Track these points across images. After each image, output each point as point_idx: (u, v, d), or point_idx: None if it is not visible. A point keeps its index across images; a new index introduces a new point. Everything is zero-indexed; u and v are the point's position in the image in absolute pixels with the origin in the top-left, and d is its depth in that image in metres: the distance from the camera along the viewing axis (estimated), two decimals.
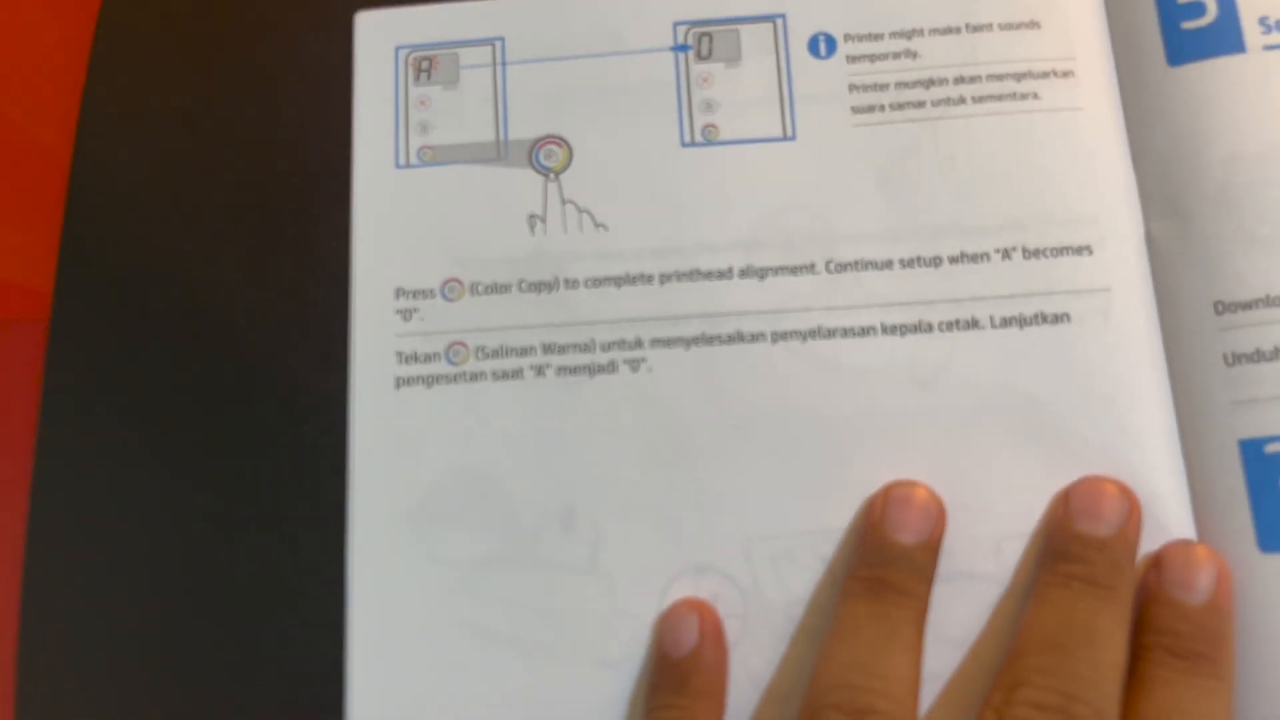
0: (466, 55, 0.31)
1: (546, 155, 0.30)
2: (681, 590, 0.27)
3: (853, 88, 0.30)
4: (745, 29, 0.30)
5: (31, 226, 0.32)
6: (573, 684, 0.27)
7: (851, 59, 0.30)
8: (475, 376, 0.29)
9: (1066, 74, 0.29)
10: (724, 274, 0.29)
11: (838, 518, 0.27)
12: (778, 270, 0.29)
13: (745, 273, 0.29)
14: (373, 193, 0.30)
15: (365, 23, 0.31)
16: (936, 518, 0.27)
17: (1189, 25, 0.29)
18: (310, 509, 0.28)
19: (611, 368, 0.29)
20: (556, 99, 0.30)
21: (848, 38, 0.30)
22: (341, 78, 0.31)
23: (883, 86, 0.30)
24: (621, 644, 0.27)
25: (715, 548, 0.27)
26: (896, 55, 0.30)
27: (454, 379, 0.29)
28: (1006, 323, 0.28)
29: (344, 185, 0.30)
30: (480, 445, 0.28)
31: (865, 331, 0.28)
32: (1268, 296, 0.27)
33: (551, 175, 0.30)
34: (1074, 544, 0.26)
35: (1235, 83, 0.28)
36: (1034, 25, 0.30)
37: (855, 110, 0.30)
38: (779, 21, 0.30)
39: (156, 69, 0.32)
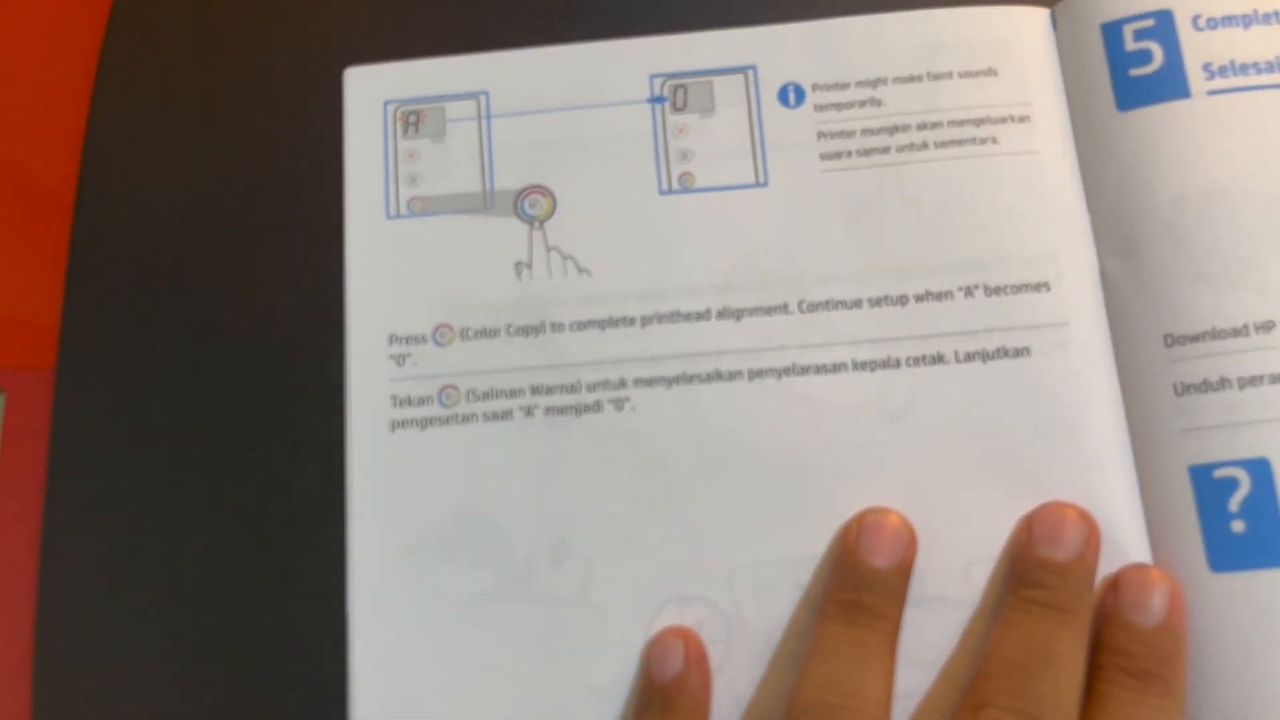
0: (453, 109, 0.32)
1: (531, 204, 0.31)
2: (668, 619, 0.29)
3: (821, 135, 0.31)
4: (718, 80, 0.32)
5: (37, 271, 0.33)
6: (566, 711, 0.28)
7: (819, 108, 0.32)
8: (467, 418, 0.30)
9: (1023, 119, 0.31)
10: (702, 315, 0.30)
11: (815, 545, 0.29)
12: (753, 311, 0.30)
13: (722, 314, 0.30)
14: (365, 243, 0.31)
15: (354, 78, 0.33)
16: (908, 542, 0.28)
17: (1137, 72, 0.30)
18: (312, 549, 0.30)
19: (597, 407, 0.30)
20: (540, 150, 0.32)
21: (816, 87, 0.32)
22: (332, 132, 0.32)
23: (849, 134, 0.31)
24: (611, 671, 0.29)
25: (699, 577, 0.29)
26: (862, 103, 0.31)
27: (447, 421, 0.30)
28: (970, 357, 0.30)
29: (337, 236, 0.32)
30: (473, 484, 0.30)
31: (837, 368, 0.30)
32: (1214, 329, 0.28)
33: (536, 224, 0.31)
34: (1036, 569, 0.27)
35: (1181, 126, 0.30)
36: (992, 73, 0.31)
37: (824, 157, 0.31)
38: (750, 73, 0.32)
39: (155, 120, 0.33)
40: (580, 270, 0.31)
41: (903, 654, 0.28)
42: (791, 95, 0.32)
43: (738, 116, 0.32)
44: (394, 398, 0.30)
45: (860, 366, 0.30)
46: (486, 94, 0.32)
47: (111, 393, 0.31)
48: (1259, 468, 0.27)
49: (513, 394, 0.30)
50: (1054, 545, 0.27)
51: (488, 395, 0.30)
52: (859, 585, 0.28)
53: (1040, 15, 0.32)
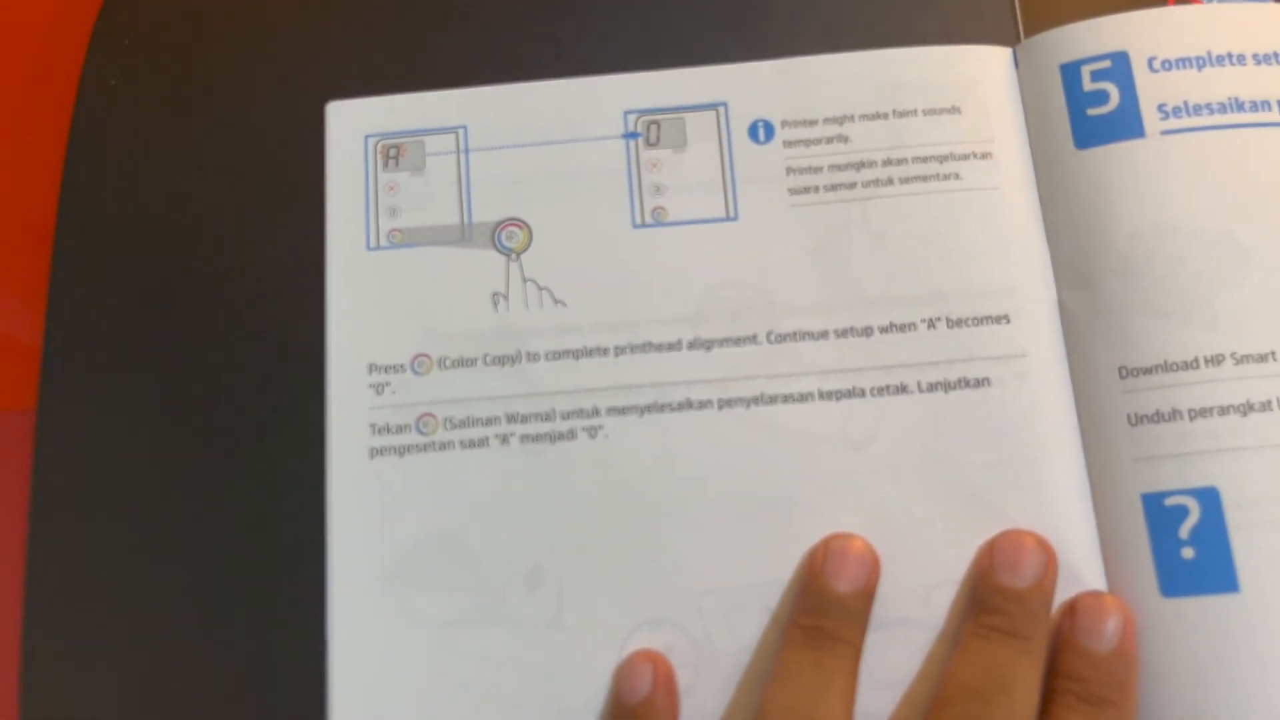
0: (432, 143, 0.33)
1: (508, 237, 0.32)
2: (639, 642, 0.30)
3: (790, 170, 0.32)
4: (690, 117, 0.33)
5: (16, 309, 0.33)
6: None
7: (788, 144, 0.33)
8: (444, 446, 0.31)
9: (985, 156, 0.32)
10: (673, 346, 0.31)
11: (782, 570, 0.30)
12: (723, 342, 0.31)
13: (693, 344, 0.31)
14: (346, 273, 0.32)
15: (336, 112, 0.34)
16: (872, 567, 0.29)
17: (1094, 112, 0.31)
18: (293, 576, 0.30)
19: (571, 435, 0.31)
20: (517, 184, 0.33)
21: (785, 124, 0.33)
22: (314, 165, 0.33)
23: (817, 169, 0.32)
24: (584, 693, 0.29)
25: (670, 602, 0.30)
26: (829, 140, 0.32)
27: (424, 448, 0.31)
28: (932, 387, 0.31)
29: (318, 266, 0.32)
30: (450, 510, 0.30)
31: (804, 397, 0.31)
32: (1166, 362, 0.29)
33: (513, 255, 0.32)
34: (995, 596, 0.28)
35: (1136, 165, 0.31)
36: (955, 111, 0.32)
37: (792, 191, 0.32)
38: (721, 109, 0.33)
39: (136, 154, 0.34)
40: (556, 301, 0.32)
41: (866, 676, 0.29)
42: (761, 131, 0.33)
43: (709, 152, 0.33)
44: (373, 425, 0.31)
45: (826, 396, 0.31)
46: (465, 128, 0.33)
47: (93, 434, 0.32)
48: (1208, 496, 0.28)
49: (489, 422, 0.31)
50: (1013, 572, 0.28)
51: (464, 423, 0.31)
52: (822, 610, 0.29)
53: (1003, 55, 0.33)
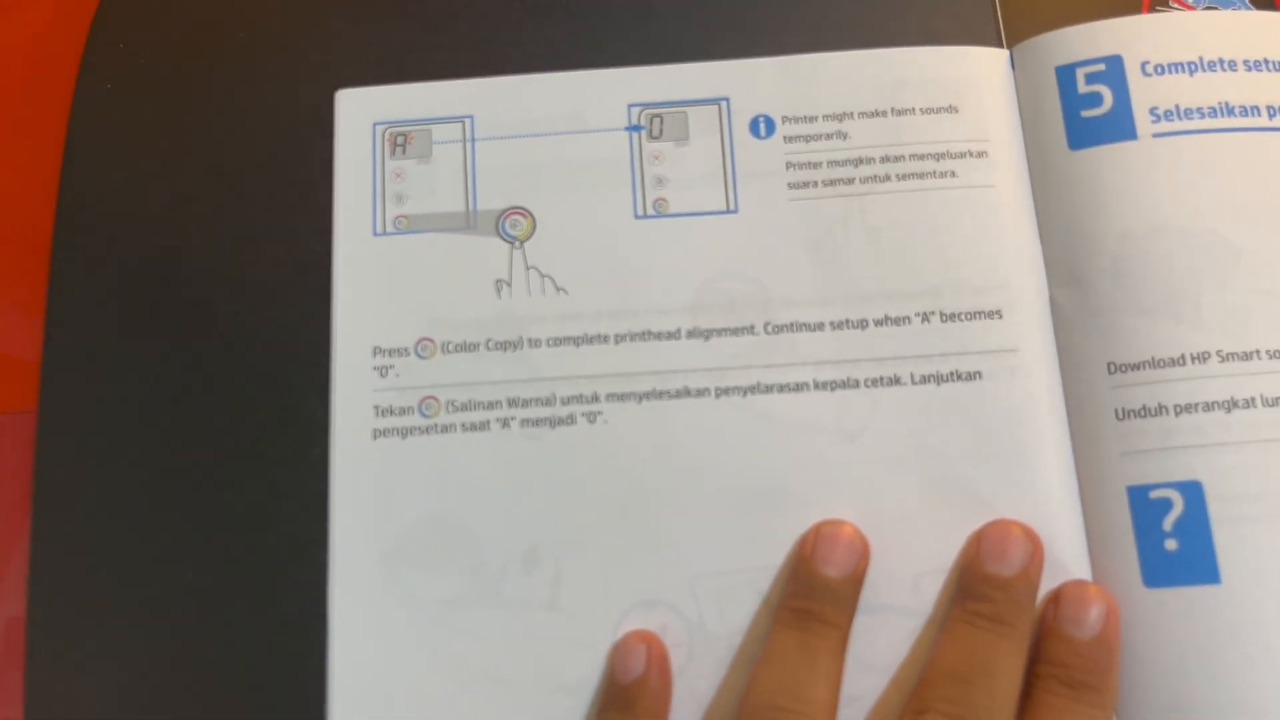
0: (439, 131, 0.34)
1: (512, 225, 0.33)
2: (633, 623, 0.30)
3: (789, 165, 0.33)
4: (693, 111, 0.34)
5: (15, 312, 0.34)
6: (535, 709, 0.30)
7: (789, 139, 0.33)
8: (446, 428, 0.32)
9: (981, 154, 0.33)
10: (672, 335, 0.32)
11: (775, 555, 0.30)
12: (721, 331, 0.32)
13: (692, 334, 0.32)
14: (352, 258, 0.33)
15: (345, 100, 0.34)
16: (861, 553, 0.30)
17: (1088, 113, 0.32)
18: (295, 557, 0.31)
19: (571, 420, 0.32)
20: (521, 173, 0.33)
21: (785, 119, 0.33)
22: (322, 152, 0.34)
23: (816, 164, 0.33)
24: (579, 672, 0.30)
25: (664, 584, 0.30)
26: (829, 136, 0.33)
27: (427, 431, 0.32)
28: (925, 380, 0.31)
29: (320, 258, 0.33)
30: (451, 492, 0.31)
31: (799, 387, 0.31)
32: (1153, 359, 0.30)
33: (517, 243, 0.33)
34: (981, 584, 0.29)
35: (1128, 167, 0.31)
36: (952, 110, 0.33)
37: (792, 186, 0.33)
38: (723, 104, 0.34)
39: (142, 143, 0.34)
40: (558, 289, 0.32)
41: (854, 659, 0.29)
42: (762, 126, 0.33)
43: (711, 146, 0.33)
44: (376, 408, 0.32)
45: (821, 386, 0.31)
46: (472, 118, 0.34)
47: (94, 431, 0.32)
48: (1191, 489, 0.29)
49: (490, 406, 0.32)
50: (999, 561, 0.29)
51: (466, 407, 0.32)
52: (812, 594, 0.29)
53: (1000, 56, 0.34)
